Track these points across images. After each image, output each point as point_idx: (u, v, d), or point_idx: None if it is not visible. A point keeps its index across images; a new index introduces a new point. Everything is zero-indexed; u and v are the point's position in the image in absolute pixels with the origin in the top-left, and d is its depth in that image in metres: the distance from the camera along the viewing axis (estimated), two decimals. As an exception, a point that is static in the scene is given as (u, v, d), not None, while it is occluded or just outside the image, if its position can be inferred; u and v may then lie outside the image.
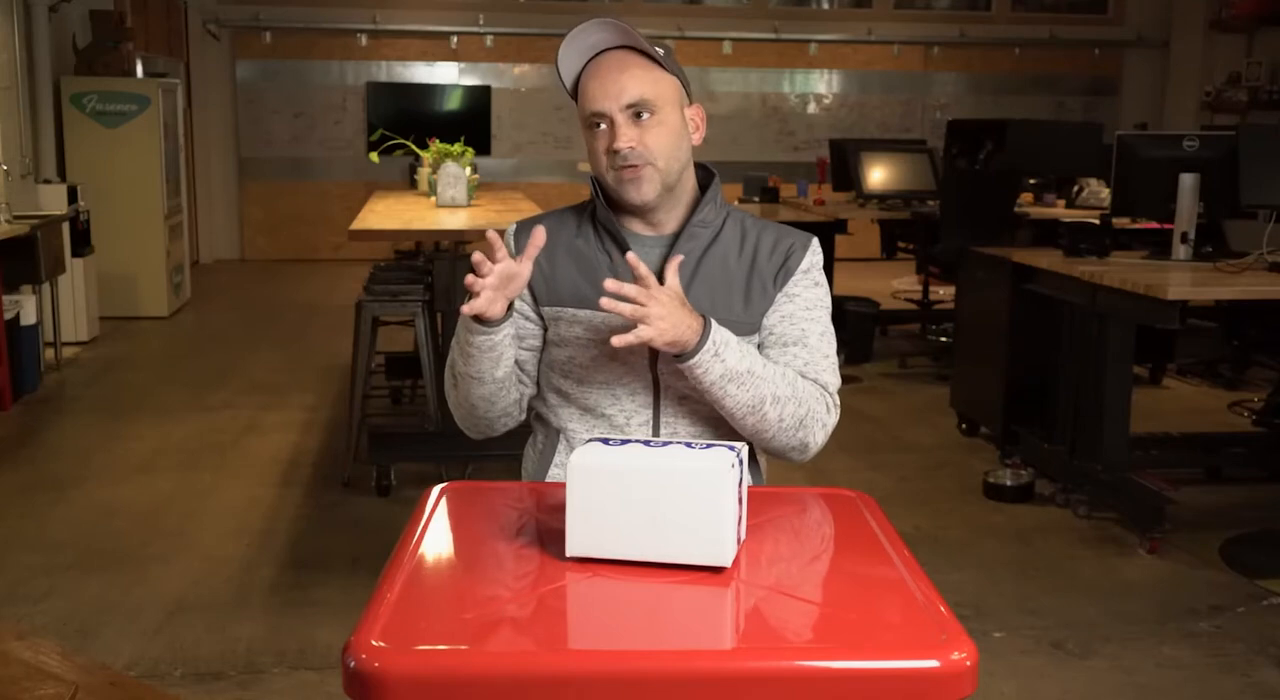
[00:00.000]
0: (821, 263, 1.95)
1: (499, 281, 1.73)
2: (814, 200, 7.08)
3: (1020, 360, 4.81)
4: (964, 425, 5.29)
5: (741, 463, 1.47)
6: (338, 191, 10.71)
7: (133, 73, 8.14)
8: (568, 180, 10.76)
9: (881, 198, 6.78)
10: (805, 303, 1.90)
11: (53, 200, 6.86)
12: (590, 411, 1.90)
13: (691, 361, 1.74)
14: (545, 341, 1.94)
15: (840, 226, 6.62)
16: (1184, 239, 4.14)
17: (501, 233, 1.84)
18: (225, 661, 3.05)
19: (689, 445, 1.49)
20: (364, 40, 10.66)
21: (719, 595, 1.40)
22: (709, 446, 1.48)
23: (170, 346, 7.30)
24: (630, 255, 1.73)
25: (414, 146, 6.07)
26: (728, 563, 1.42)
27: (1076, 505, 4.23)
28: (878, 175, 6.81)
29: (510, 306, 1.79)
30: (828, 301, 1.94)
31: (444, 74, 10.90)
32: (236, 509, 4.22)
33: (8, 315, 5.57)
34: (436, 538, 1.57)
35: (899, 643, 1.29)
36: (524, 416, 1.99)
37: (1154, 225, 4.60)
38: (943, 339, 6.86)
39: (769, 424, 1.81)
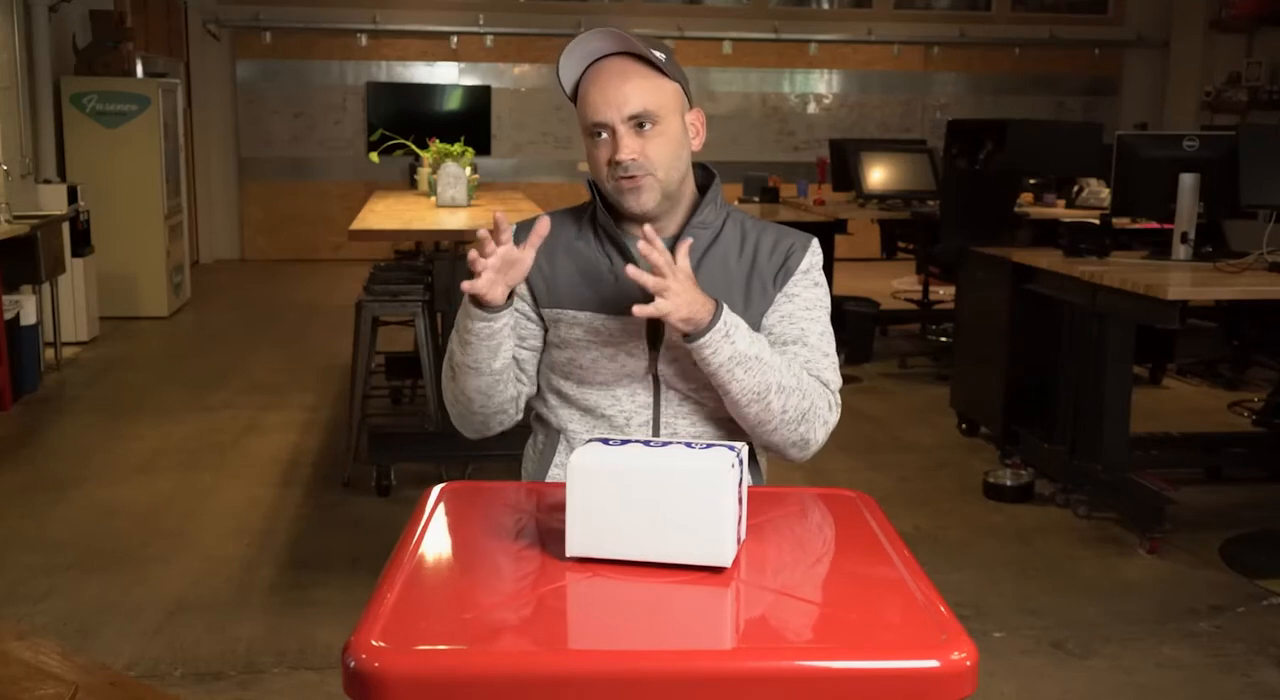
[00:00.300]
0: (821, 263, 1.95)
1: (501, 263, 1.73)
2: (814, 200, 7.08)
3: (1020, 360, 4.81)
4: (964, 425, 5.29)
5: (741, 463, 1.47)
6: (338, 191, 10.71)
7: (133, 73, 8.14)
8: (568, 180, 10.78)
9: (881, 198, 6.78)
10: (805, 303, 1.90)
11: (53, 200, 6.86)
12: (590, 412, 1.90)
13: (702, 340, 1.74)
14: (545, 343, 1.94)
15: (840, 226, 6.62)
16: (1184, 239, 4.14)
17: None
18: (225, 661, 3.05)
19: (689, 445, 1.49)
20: (364, 40, 10.66)
21: (719, 595, 1.40)
22: (709, 447, 1.48)
23: (170, 346, 7.30)
24: (639, 253, 1.73)
25: (414, 146, 6.06)
26: (728, 563, 1.42)
27: (1076, 505, 4.23)
28: (878, 175, 6.81)
29: (511, 295, 1.79)
30: (827, 302, 1.94)
31: (444, 74, 10.90)
32: (236, 509, 4.22)
33: (8, 315, 5.57)
34: (436, 538, 1.57)
35: (899, 643, 1.29)
36: (520, 416, 1.98)
37: (1154, 225, 4.60)
38: (943, 339, 6.86)
39: (772, 414, 1.81)
